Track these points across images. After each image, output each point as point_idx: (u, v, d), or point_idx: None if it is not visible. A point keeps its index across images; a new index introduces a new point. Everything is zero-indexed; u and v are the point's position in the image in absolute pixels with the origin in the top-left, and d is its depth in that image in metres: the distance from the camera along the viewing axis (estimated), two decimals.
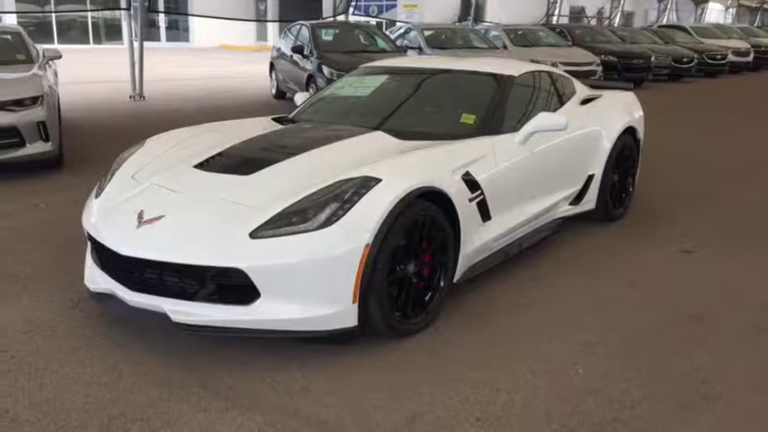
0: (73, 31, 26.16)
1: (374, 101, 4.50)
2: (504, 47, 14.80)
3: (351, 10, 17.01)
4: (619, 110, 5.16)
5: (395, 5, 25.44)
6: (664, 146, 8.55)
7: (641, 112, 5.53)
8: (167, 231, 2.94)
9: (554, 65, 13.60)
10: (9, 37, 7.67)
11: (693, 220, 5.26)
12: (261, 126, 4.14)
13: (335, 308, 2.87)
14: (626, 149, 5.17)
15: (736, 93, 16.42)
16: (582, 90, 5.15)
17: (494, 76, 4.34)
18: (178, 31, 29.17)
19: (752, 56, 21.16)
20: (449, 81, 4.49)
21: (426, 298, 3.31)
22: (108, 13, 26.19)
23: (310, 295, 2.85)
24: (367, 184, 3.01)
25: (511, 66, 4.64)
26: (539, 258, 4.30)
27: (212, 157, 3.54)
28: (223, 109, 10.96)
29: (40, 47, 8.85)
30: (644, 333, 3.32)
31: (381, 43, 11.79)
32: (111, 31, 26.78)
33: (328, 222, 2.86)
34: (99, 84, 14.24)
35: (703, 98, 15.25)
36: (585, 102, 5.00)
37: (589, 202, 4.87)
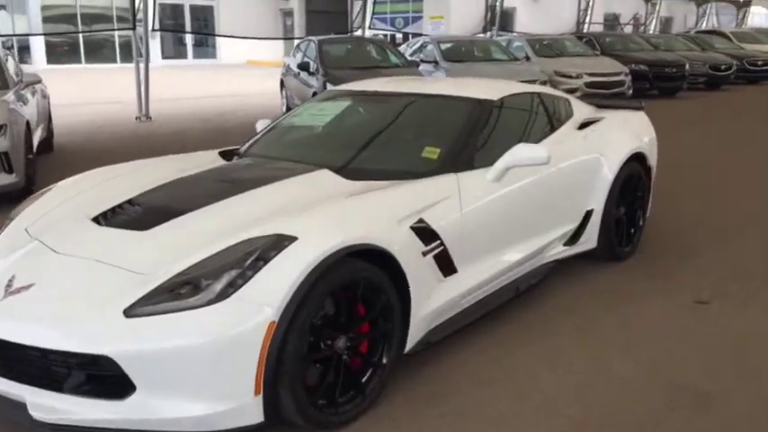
0: (102, 51, 26.30)
1: (329, 132, 3.94)
2: (527, 58, 14.13)
3: (368, 23, 16.49)
4: (624, 134, 4.51)
5: (421, 17, 24.93)
6: (688, 165, 7.81)
7: (653, 135, 4.86)
8: (32, 305, 2.42)
9: (578, 76, 13.00)
10: None
11: (714, 259, 4.56)
12: (198, 163, 3.61)
13: (233, 403, 2.31)
14: (633, 179, 4.51)
15: None
16: (581, 112, 4.51)
17: (467, 100, 3.74)
18: (206, 47, 29.15)
19: None
20: (417, 107, 3.90)
21: (364, 378, 2.72)
22: (129, 33, 26.24)
23: (200, 388, 2.29)
24: (279, 244, 2.45)
25: (493, 88, 4.03)
26: (519, 311, 3.67)
27: (116, 207, 3.01)
28: (229, 131, 10.52)
29: (28, 70, 8.57)
30: (632, 423, 2.68)
31: (393, 58, 11.26)
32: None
33: (223, 295, 2.31)
34: (111, 104, 14.00)
35: (741, 107, 14.32)
36: (584, 125, 4.36)
37: (588, 242, 4.23)
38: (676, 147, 9.16)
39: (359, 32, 16.28)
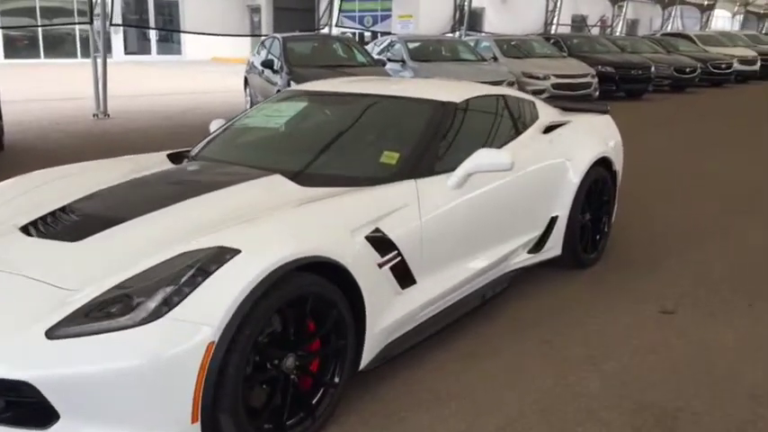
0: (62, 45, 25.62)
1: (284, 135, 3.75)
2: (495, 58, 14.06)
3: (335, 21, 16.28)
4: (590, 138, 4.40)
5: (390, 16, 24.77)
6: (654, 168, 7.78)
7: (618, 139, 4.77)
8: None
9: (546, 77, 12.97)
10: None
11: (680, 267, 4.48)
12: (144, 166, 3.40)
13: (167, 431, 2.13)
14: (598, 184, 4.40)
15: (741, 103, 15.62)
16: (547, 115, 4.39)
17: (429, 102, 3.59)
18: (171, 43, 28.60)
19: (759, 64, 20.27)
20: (377, 109, 3.74)
21: (314, 399, 2.55)
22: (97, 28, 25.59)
23: (130, 416, 2.10)
24: (220, 257, 2.26)
25: (456, 89, 3.89)
26: (481, 325, 3.53)
27: (48, 216, 2.79)
28: (191, 128, 10.23)
29: None
30: None
31: (359, 57, 11.08)
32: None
33: (157, 314, 2.12)
34: (69, 101, 13.57)
35: (706, 110, 14.46)
36: (550, 129, 4.24)
37: (553, 249, 4.11)
38: (642, 149, 9.14)
39: (326, 30, 16.04)
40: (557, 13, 23.46)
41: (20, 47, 24.90)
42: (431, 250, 3.09)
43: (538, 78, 13.20)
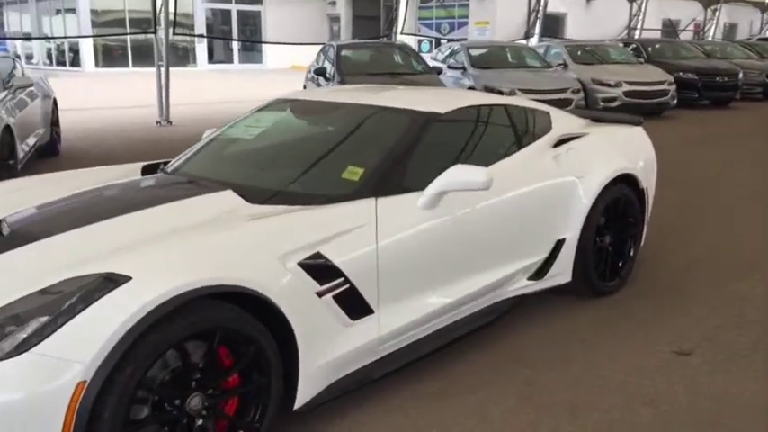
0: (149, 55, 26.56)
1: (252, 147, 3.51)
2: (565, 65, 13.45)
3: (401, 28, 16.05)
4: (609, 153, 3.96)
5: (467, 23, 24.34)
6: (716, 185, 7.10)
7: (650, 154, 4.29)
8: None
9: (617, 84, 12.31)
10: None
11: (710, 300, 3.96)
12: (105, 178, 3.26)
13: None
14: (620, 204, 3.95)
15: None
16: (564, 127, 3.98)
17: (408, 113, 3.28)
18: (253, 52, 29.20)
19: None
20: (355, 120, 3.45)
21: None
22: (177, 37, 26.47)
23: None
24: (105, 284, 2.05)
25: (446, 99, 3.57)
26: (459, 358, 3.18)
27: None
28: None
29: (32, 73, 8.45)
30: None
31: (414, 65, 10.81)
32: (181, 55, 27.15)
33: (25, 347, 1.92)
34: (141, 108, 13.95)
35: None
36: (562, 143, 3.83)
37: (560, 275, 3.70)
38: (710, 163, 8.44)
39: (401, 37, 15.85)
40: (641, 17, 22.35)
41: (115, 56, 26.01)
42: (393, 277, 2.78)
43: (608, 86, 12.50)
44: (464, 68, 11.95)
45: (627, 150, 4.12)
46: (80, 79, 21.99)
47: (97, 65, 24.93)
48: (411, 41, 23.52)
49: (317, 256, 2.51)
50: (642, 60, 14.56)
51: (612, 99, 12.46)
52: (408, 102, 3.44)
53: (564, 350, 3.31)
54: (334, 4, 29.35)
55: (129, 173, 3.41)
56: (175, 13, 11.48)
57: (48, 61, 27.07)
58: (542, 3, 18.83)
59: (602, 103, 12.47)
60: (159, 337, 2.05)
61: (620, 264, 4.05)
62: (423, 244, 2.90)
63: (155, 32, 11.51)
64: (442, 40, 23.06)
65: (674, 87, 12.90)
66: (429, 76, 10.32)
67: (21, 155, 6.72)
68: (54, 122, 8.64)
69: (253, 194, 2.87)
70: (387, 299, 2.78)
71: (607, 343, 3.39)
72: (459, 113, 3.41)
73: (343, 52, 10.61)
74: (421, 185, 2.94)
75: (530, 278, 3.57)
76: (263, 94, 18.51)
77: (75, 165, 7.99)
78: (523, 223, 3.42)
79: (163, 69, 11.45)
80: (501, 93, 10.92)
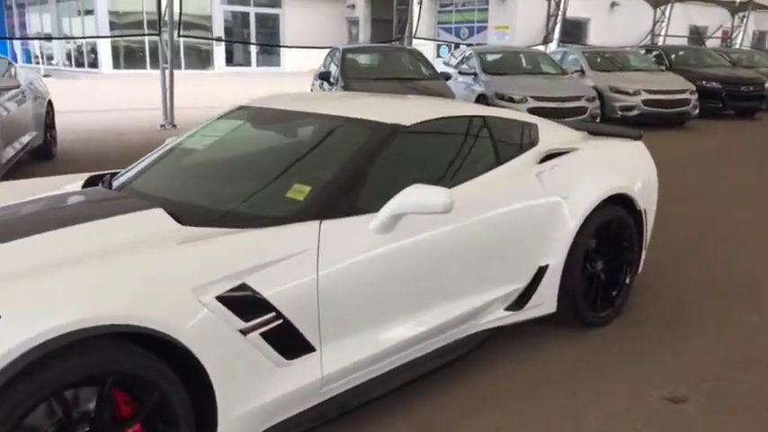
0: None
1: (203, 159, 3.21)
2: (582, 72, 13.04)
3: (414, 31, 15.72)
4: (601, 170, 3.60)
5: (486, 27, 23.95)
6: (738, 201, 6.67)
7: (651, 171, 3.93)
8: None
9: (635, 93, 11.89)
10: None
11: (712, 336, 3.58)
12: (39, 190, 2.97)
13: None
14: (613, 227, 3.60)
15: None
16: (552, 140, 3.63)
17: (369, 124, 2.96)
18: (271, 55, 29.06)
19: None
20: (313, 131, 3.14)
21: None
22: (196, 40, 26.51)
23: None
24: None
25: (416, 109, 3.25)
26: (419, 399, 2.84)
27: None
28: None
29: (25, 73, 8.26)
30: None
31: (423, 70, 10.49)
32: (200, 57, 27.16)
33: None
34: (149, 110, 13.80)
35: None
36: (549, 158, 3.48)
37: (543, 305, 3.35)
38: (729, 176, 8.00)
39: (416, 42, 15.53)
40: (665, 23, 21.80)
41: (134, 58, 26.04)
42: (338, 310, 2.47)
43: (627, 94, 12.07)
44: (475, 74, 11.60)
45: (623, 167, 3.76)
46: (96, 80, 22.01)
47: (115, 66, 24.93)
48: (430, 46, 23.22)
49: (243, 287, 2.20)
50: (663, 68, 14.08)
51: (630, 108, 12.03)
52: (373, 112, 3.11)
53: (541, 390, 2.96)
54: (353, 7, 29.14)
55: (64, 183, 3.13)
56: (180, 15, 11.27)
57: (68, 62, 27.18)
58: (561, 8, 18.40)
59: (619, 112, 12.05)
60: (32, 385, 1.75)
61: (614, 292, 3.69)
62: (376, 272, 2.58)
63: (159, 34, 11.31)
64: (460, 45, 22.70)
65: (695, 96, 12.42)
66: (437, 82, 9.99)
67: (3, 159, 6.51)
68: (49, 125, 8.46)
69: (188, 214, 2.57)
70: (331, 335, 2.47)
71: (591, 383, 3.03)
72: (428, 125, 3.08)
73: (349, 56, 10.32)
74: (378, 207, 2.62)
75: (508, 308, 3.23)
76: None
77: (69, 168, 7.77)
78: (498, 248, 3.08)
79: (167, 72, 11.26)
80: (512, 100, 10.58)
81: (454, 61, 13.27)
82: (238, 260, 2.24)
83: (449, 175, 3.02)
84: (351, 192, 2.66)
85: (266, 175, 2.89)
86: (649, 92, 12.11)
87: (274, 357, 2.29)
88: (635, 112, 11.99)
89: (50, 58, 27.97)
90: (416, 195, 2.54)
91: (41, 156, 8.16)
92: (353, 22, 29.20)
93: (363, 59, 10.68)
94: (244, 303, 2.19)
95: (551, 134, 3.71)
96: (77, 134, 10.32)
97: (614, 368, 3.18)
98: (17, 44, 28.29)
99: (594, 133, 4.12)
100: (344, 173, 2.70)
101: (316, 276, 2.38)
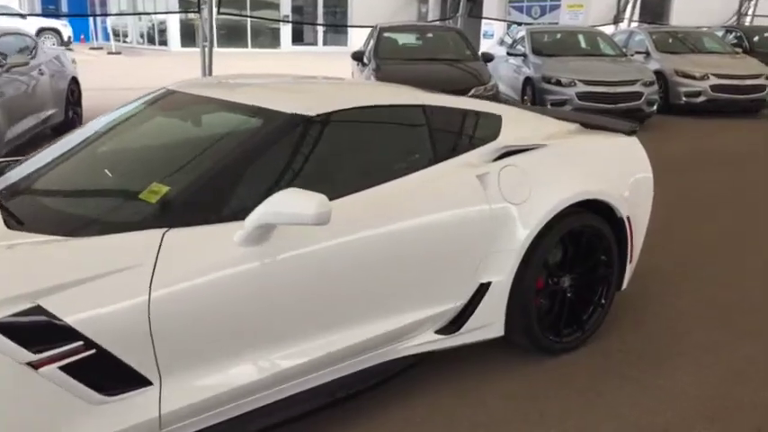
0: (236, 35, 26.73)
1: (73, 150, 2.78)
2: (647, 53, 12.06)
3: (461, 10, 15.03)
4: (571, 171, 3.03)
5: (559, 6, 22.77)
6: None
7: (641, 173, 3.33)
8: None
9: (703, 77, 10.88)
10: None
11: (704, 366, 2.99)
12: None
13: None
14: (584, 238, 3.04)
15: None
16: (517, 134, 3.09)
17: (266, 114, 2.51)
18: (338, 34, 28.73)
19: None
20: (209, 120, 2.73)
21: None
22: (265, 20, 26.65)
23: None
24: None
25: (341, 96, 2.78)
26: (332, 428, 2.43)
27: None
28: None
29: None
30: None
31: (464, 51, 9.85)
32: (267, 36, 27.25)
33: None
34: None
35: None
36: (508, 155, 2.95)
37: (487, 327, 2.86)
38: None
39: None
40: (753, 2, 20.11)
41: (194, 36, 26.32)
42: (185, 336, 2.07)
43: (693, 78, 11.06)
44: (525, 56, 10.86)
45: (604, 167, 3.18)
46: (162, 58, 22.26)
47: (184, 44, 25.21)
48: (500, 26, 22.29)
49: (35, 311, 1.83)
50: (740, 51, 12.88)
51: (697, 93, 11.03)
52: (280, 99, 2.67)
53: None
54: None
55: None
56: None
57: (141, 40, 27.71)
58: None
59: (684, 98, 11.08)
60: None
61: (584, 317, 3.13)
62: (241, 292, 2.16)
63: (199, 11, 11.13)
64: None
65: None
66: (476, 64, 9.35)
67: (9, 136, 6.43)
68: (73, 102, 8.41)
69: (33, 216, 2.23)
70: (176, 365, 2.08)
71: (543, 424, 2.53)
72: (343, 116, 2.60)
73: (385, 35, 9.79)
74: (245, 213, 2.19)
75: (440, 331, 2.76)
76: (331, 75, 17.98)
77: None
78: (422, 262, 2.59)
79: (206, 50, 11.08)
80: (559, 83, 9.83)
81: (509, 41, 12.53)
82: (37, 277, 1.87)
83: (359, 177, 2.55)
84: (220, 194, 2.24)
85: (135, 171, 2.50)
86: (719, 76, 11.05)
87: (85, 393, 1.92)
88: (701, 99, 10.98)
89: (125, 35, 28.60)
90: (285, 203, 2.10)
91: (64, 133, 8.12)
92: (423, 0, 28.49)
93: (402, 39, 10.13)
94: (35, 330, 1.82)
95: (521, 127, 3.16)
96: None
97: (572, 404, 2.66)
98: (98, 22, 29.01)
99: (589, 126, 3.54)
100: (215, 171, 2.28)
101: (147, 297, 1.98)
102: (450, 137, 2.88)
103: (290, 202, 2.09)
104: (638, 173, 3.31)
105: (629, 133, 3.41)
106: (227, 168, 2.29)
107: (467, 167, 2.79)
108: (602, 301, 3.18)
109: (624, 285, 3.31)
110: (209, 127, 2.71)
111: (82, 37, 27.39)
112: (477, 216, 2.71)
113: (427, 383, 2.79)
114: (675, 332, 3.33)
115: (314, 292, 2.33)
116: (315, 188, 2.39)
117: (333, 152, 2.57)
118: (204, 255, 2.11)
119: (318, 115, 2.53)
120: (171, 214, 2.15)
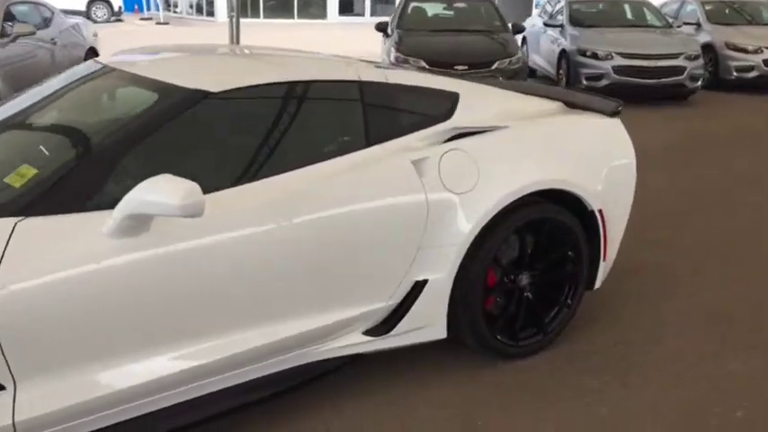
0: (281, 6, 26.60)
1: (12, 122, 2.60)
2: (698, 25, 11.31)
3: None
4: (531, 156, 2.69)
5: None
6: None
7: (620, 159, 2.96)
8: None
9: (756, 51, 10.17)
10: None
11: (683, 381, 2.64)
12: None
13: None
14: (544, 231, 2.71)
15: None
16: (479, 115, 2.75)
17: (163, 90, 2.26)
18: (387, 5, 28.21)
19: None
20: (112, 98, 2.50)
21: None
22: None
23: None
24: None
25: (261, 69, 2.50)
26: None
27: None
28: None
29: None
30: None
31: (494, 22, 9.39)
32: (314, 6, 27.00)
33: None
34: None
35: None
36: (459, 137, 2.63)
37: (426, 329, 2.58)
38: None
39: None
40: None
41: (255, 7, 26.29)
42: (45, 336, 1.87)
43: (745, 51, 10.31)
44: (562, 26, 10.30)
45: (576, 153, 2.82)
46: (209, 28, 22.26)
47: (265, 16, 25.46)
48: None
49: None
50: None
51: (749, 68, 10.30)
52: (188, 72, 2.41)
53: None
54: None
55: None
56: None
57: (190, 10, 27.82)
58: None
59: (735, 74, 10.36)
60: None
61: (546, 318, 2.81)
62: (110, 288, 1.94)
63: None
64: None
65: None
66: (504, 35, 8.88)
67: None
68: None
69: None
70: (35, 368, 1.88)
71: None
72: (253, 92, 2.33)
73: (413, 4, 9.40)
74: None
75: (369, 332, 2.49)
76: (366, 49, 17.69)
77: None
78: (341, 258, 2.32)
79: (234, 20, 10.89)
80: (595, 56, 9.29)
81: (550, 9, 11.93)
82: None
83: (270, 161, 2.29)
84: (93, 180, 2.01)
85: (16, 151, 2.29)
86: None
87: None
88: (753, 74, 10.25)
89: (176, 6, 28.78)
90: (149, 190, 1.86)
91: None
92: None
93: (430, 9, 9.71)
94: None
95: (481, 107, 2.83)
96: None
97: (518, 422, 2.37)
98: None
99: (572, 105, 3.18)
100: (91, 154, 2.05)
101: None
102: (389, 117, 2.57)
103: (156, 190, 1.85)
104: (618, 159, 2.94)
105: (612, 114, 3.03)
106: (104, 150, 2.06)
107: (402, 152, 2.48)
108: (569, 302, 2.85)
109: (597, 284, 2.97)
110: (112, 104, 2.48)
111: (135, 7, 27.71)
112: (409, 206, 2.41)
113: (358, 387, 2.54)
114: (666, 332, 2.98)
115: (207, 289, 2.09)
116: (213, 174, 2.18)
117: (239, 134, 2.31)
118: (64, 247, 1.89)
119: (224, 91, 2.27)
120: (32, 201, 1.93)
